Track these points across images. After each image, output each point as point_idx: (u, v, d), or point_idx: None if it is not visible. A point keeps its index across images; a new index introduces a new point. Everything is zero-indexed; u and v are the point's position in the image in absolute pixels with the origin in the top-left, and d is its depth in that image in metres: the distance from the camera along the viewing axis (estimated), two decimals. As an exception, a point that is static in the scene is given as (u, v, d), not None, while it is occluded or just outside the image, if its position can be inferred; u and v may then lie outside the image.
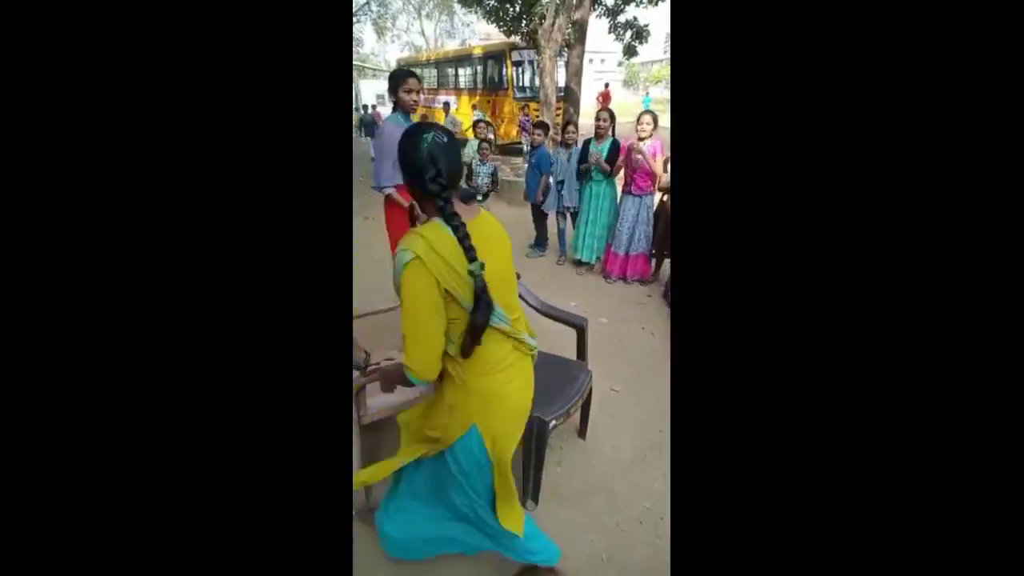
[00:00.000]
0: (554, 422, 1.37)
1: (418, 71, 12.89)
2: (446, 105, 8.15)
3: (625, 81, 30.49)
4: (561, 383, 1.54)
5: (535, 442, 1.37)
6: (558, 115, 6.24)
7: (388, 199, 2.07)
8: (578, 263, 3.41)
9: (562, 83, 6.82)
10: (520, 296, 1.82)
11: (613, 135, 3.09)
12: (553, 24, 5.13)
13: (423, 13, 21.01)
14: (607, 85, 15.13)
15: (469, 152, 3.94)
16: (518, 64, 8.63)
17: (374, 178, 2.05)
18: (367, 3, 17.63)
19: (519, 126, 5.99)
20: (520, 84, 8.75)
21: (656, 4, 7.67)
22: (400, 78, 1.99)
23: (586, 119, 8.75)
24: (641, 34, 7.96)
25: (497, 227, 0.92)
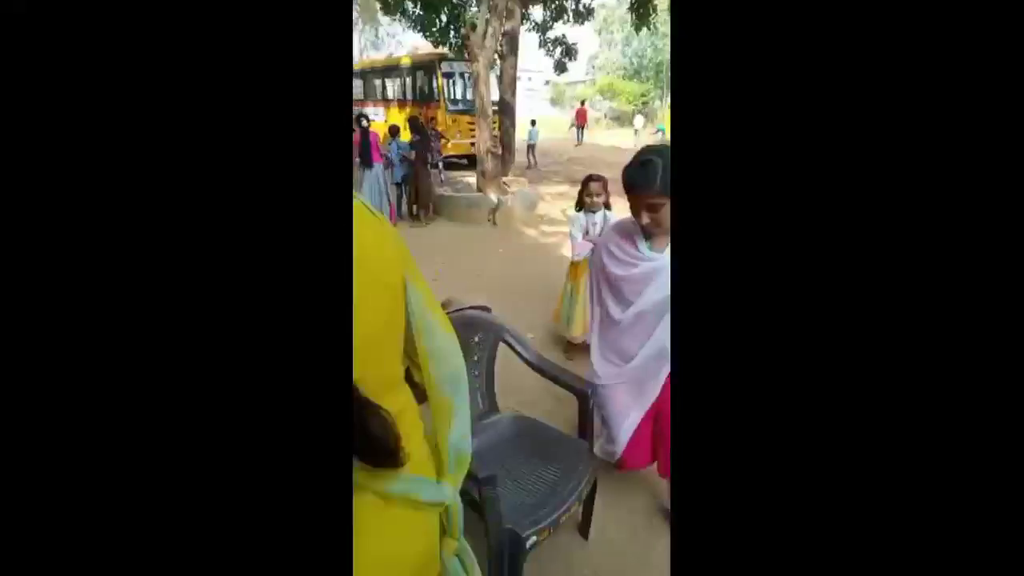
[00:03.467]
0: (534, 537, 0.98)
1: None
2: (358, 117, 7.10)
3: (552, 100, 31.64)
4: (551, 476, 1.14)
5: (506, 565, 0.97)
6: (494, 127, 6.01)
7: None
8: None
9: (496, 96, 6.62)
10: (509, 343, 1.36)
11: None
12: (485, 32, 4.90)
13: (345, 23, 20.13)
14: (583, 103, 15.09)
15: None
16: (448, 76, 8.38)
17: None
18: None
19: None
20: (452, 96, 8.48)
21: (582, 23, 7.83)
22: None
23: (519, 133, 8.73)
24: (570, 51, 8.08)
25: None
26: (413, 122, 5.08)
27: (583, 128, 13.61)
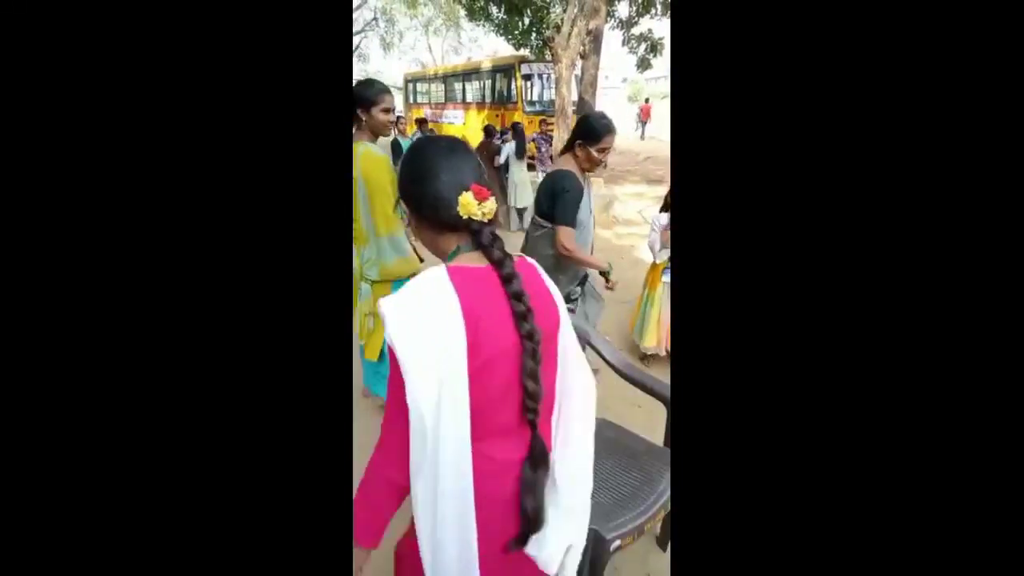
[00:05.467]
0: (618, 541, 0.98)
1: (426, 86, 12.99)
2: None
3: (630, 97, 30.62)
4: (633, 481, 1.13)
5: (587, 566, 0.98)
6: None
7: None
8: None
9: (574, 96, 6.57)
10: (592, 345, 1.37)
11: None
12: (570, 32, 4.89)
13: (431, 29, 21.17)
14: (647, 100, 15.70)
15: None
16: (527, 77, 8.47)
17: None
18: (374, 19, 17.76)
19: (533, 142, 5.59)
20: (529, 98, 8.57)
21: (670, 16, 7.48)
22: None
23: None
24: (655, 47, 7.76)
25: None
26: (514, 127, 5.07)
27: (645, 123, 14.85)
